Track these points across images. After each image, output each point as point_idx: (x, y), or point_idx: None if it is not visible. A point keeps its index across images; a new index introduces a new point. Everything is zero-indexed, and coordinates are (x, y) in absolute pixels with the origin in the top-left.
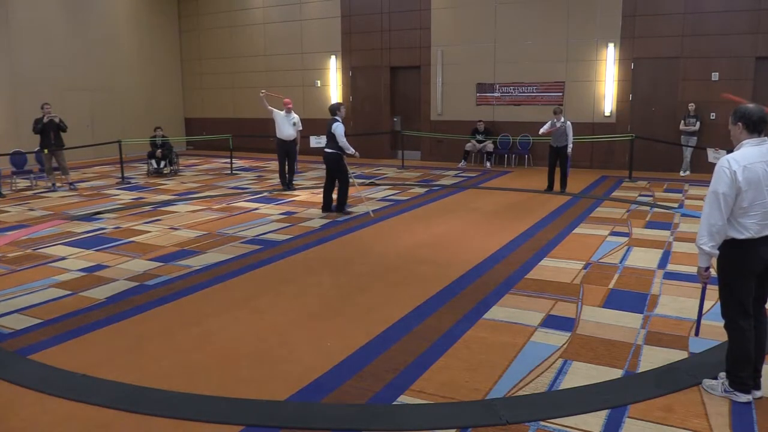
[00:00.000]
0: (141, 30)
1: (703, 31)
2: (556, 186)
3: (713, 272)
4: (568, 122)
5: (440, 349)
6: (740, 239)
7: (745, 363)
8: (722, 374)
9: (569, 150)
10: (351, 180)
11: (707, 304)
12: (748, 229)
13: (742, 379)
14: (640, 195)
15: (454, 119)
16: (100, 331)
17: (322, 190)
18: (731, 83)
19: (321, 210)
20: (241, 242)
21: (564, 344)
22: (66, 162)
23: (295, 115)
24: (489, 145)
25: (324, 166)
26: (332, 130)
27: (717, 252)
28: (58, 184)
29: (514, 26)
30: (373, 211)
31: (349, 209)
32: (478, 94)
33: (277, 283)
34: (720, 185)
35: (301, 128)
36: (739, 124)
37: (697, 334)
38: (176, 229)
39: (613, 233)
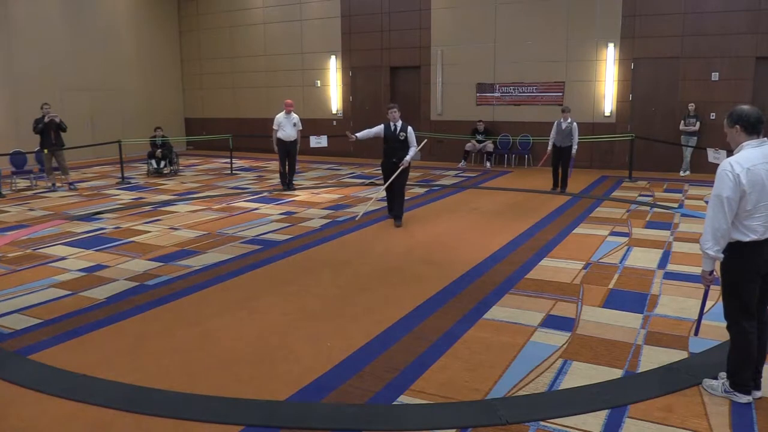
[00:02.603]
0: (141, 30)
1: (703, 31)
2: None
3: (717, 274)
4: (575, 123)
5: (440, 349)
6: (745, 242)
7: (746, 364)
8: (722, 374)
9: (574, 151)
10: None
11: (708, 304)
12: (754, 231)
13: (743, 380)
14: (640, 195)
15: (454, 119)
16: (100, 331)
17: (377, 196)
18: (731, 83)
19: (389, 213)
20: (241, 242)
21: (564, 344)
22: (66, 162)
23: (295, 115)
24: (489, 145)
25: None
26: (410, 135)
27: (721, 256)
28: (58, 184)
29: (514, 26)
30: (363, 214)
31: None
32: (478, 94)
33: (277, 283)
34: (724, 189)
35: (301, 128)
36: (737, 126)
37: (696, 334)
38: (176, 229)
39: (613, 233)
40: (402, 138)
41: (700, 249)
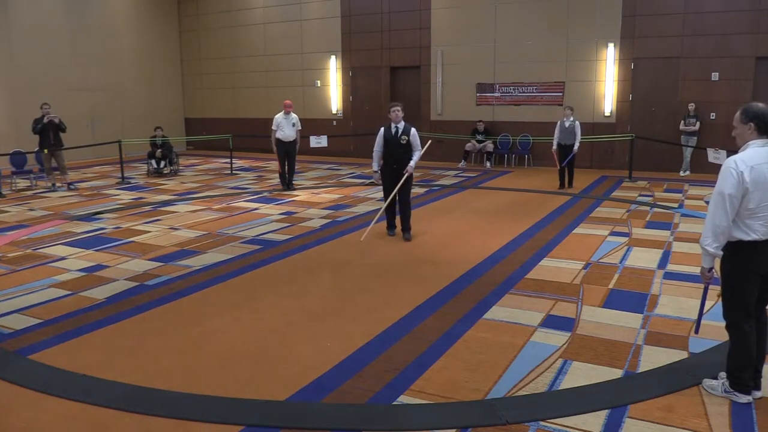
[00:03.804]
0: (141, 30)
1: (703, 31)
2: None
3: (716, 273)
4: (577, 122)
5: (440, 349)
6: (747, 240)
7: (746, 364)
8: (722, 374)
9: (576, 148)
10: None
11: (707, 304)
12: (755, 230)
13: (743, 380)
14: (640, 195)
15: (454, 119)
16: (100, 331)
17: (377, 205)
18: (731, 83)
19: (388, 231)
20: (241, 242)
21: (564, 344)
22: (65, 162)
23: (295, 116)
24: (489, 145)
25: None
26: (413, 138)
27: (721, 253)
28: (57, 184)
29: (514, 26)
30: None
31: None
32: (478, 94)
33: (277, 283)
34: (726, 186)
35: (300, 128)
36: (751, 124)
37: (696, 332)
38: (176, 229)
39: (613, 233)
40: (404, 142)
41: (700, 246)
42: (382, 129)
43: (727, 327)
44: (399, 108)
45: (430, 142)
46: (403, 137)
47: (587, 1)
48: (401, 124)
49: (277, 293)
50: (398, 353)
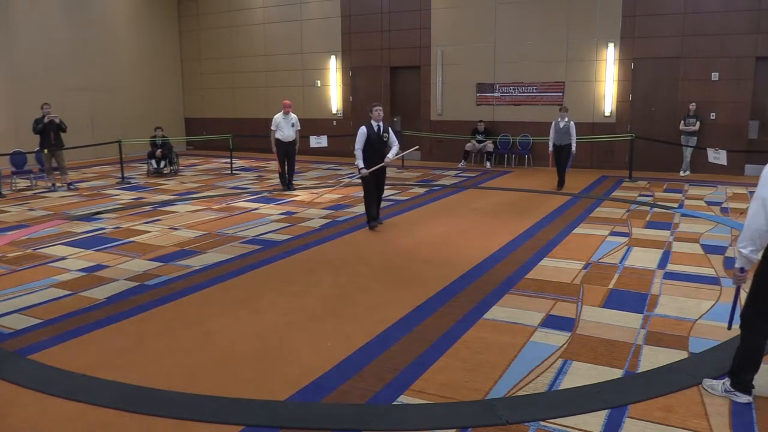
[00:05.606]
0: (141, 30)
1: (703, 31)
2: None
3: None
4: (572, 122)
5: (440, 349)
6: None
7: (751, 366)
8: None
9: (573, 149)
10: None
11: (708, 304)
12: None
13: (745, 381)
14: (640, 195)
15: (454, 119)
16: (100, 331)
17: (361, 201)
18: (731, 83)
19: (369, 224)
20: (241, 242)
21: (564, 344)
22: (65, 162)
23: (294, 116)
24: (489, 145)
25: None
26: (391, 135)
27: (756, 257)
28: (57, 184)
29: (514, 26)
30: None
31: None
32: (478, 94)
33: (277, 283)
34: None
35: (299, 128)
36: None
37: (729, 328)
38: (176, 229)
39: (613, 233)
40: (385, 139)
41: (736, 248)
42: (364, 127)
43: (742, 326)
44: (381, 107)
45: (417, 147)
46: (384, 134)
47: (587, 1)
48: (381, 123)
49: (277, 293)
50: (398, 353)
